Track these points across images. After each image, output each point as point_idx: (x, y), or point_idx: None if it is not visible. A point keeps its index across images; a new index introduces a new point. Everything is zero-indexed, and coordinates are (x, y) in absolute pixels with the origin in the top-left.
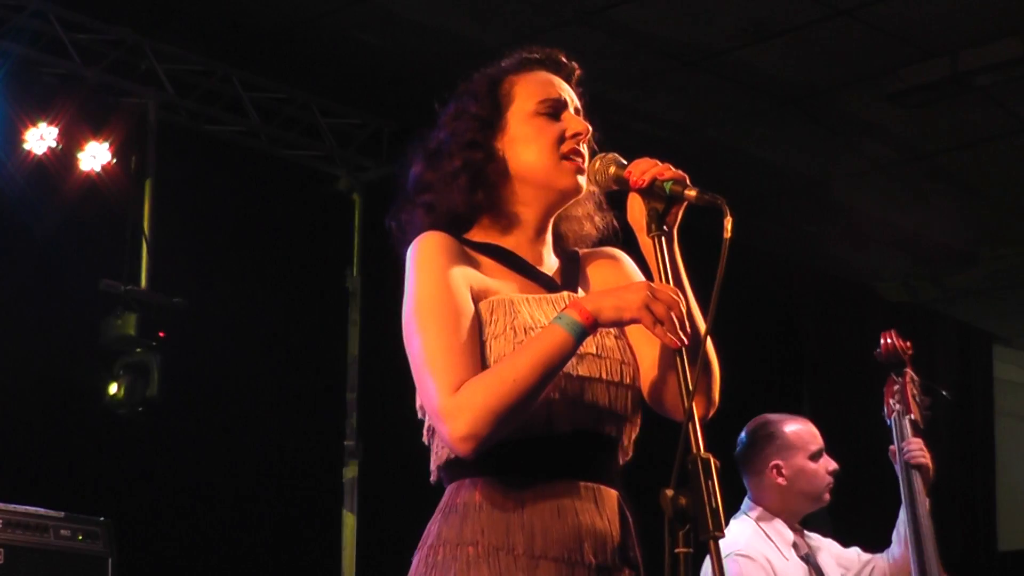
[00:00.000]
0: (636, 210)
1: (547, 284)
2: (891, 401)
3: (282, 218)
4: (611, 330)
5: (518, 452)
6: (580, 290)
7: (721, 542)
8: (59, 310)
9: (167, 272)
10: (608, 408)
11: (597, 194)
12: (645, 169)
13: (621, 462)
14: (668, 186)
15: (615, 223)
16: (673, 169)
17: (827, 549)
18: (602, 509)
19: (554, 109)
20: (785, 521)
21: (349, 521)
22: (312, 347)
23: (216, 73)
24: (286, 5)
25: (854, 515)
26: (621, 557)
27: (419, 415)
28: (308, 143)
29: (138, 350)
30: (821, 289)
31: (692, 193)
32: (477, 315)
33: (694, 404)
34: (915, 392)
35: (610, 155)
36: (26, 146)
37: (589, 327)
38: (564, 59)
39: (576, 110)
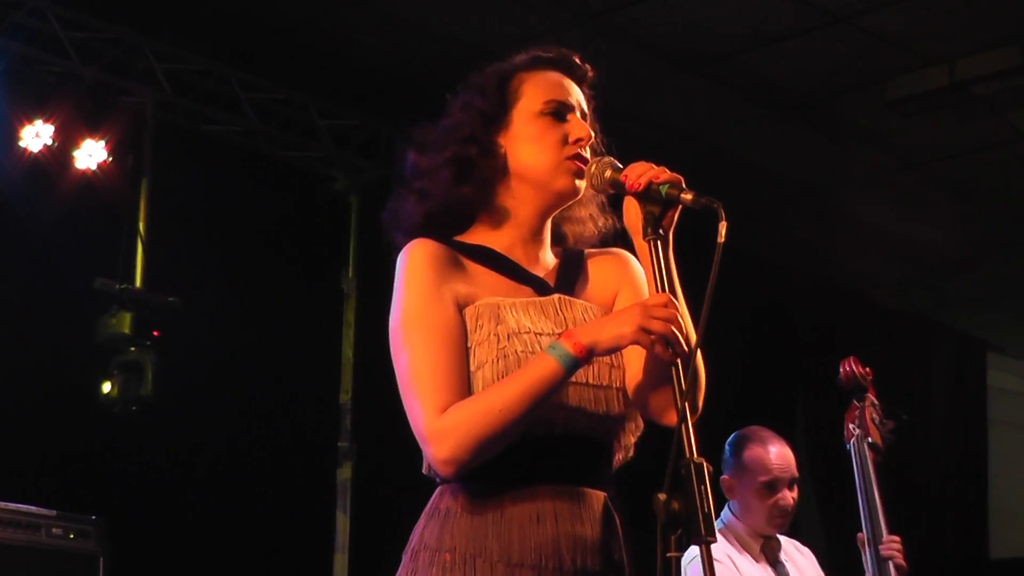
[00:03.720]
0: (632, 214)
1: (538, 287)
2: (851, 426)
3: (278, 219)
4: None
5: (501, 457)
6: (576, 290)
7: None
8: (54, 308)
9: (162, 271)
10: (595, 411)
11: (599, 196)
12: (641, 173)
13: (618, 461)
14: (664, 189)
15: (617, 225)
16: (669, 172)
17: (807, 560)
18: (585, 513)
19: (560, 110)
20: (752, 530)
21: (343, 522)
22: (307, 348)
23: (214, 73)
24: (285, 6)
25: (847, 523)
26: (604, 561)
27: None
28: (306, 144)
29: (132, 349)
30: (817, 296)
31: (688, 196)
32: (463, 322)
33: (675, 411)
34: (875, 416)
35: (606, 159)
36: (22, 144)
37: (582, 359)
38: (578, 60)
39: (583, 115)
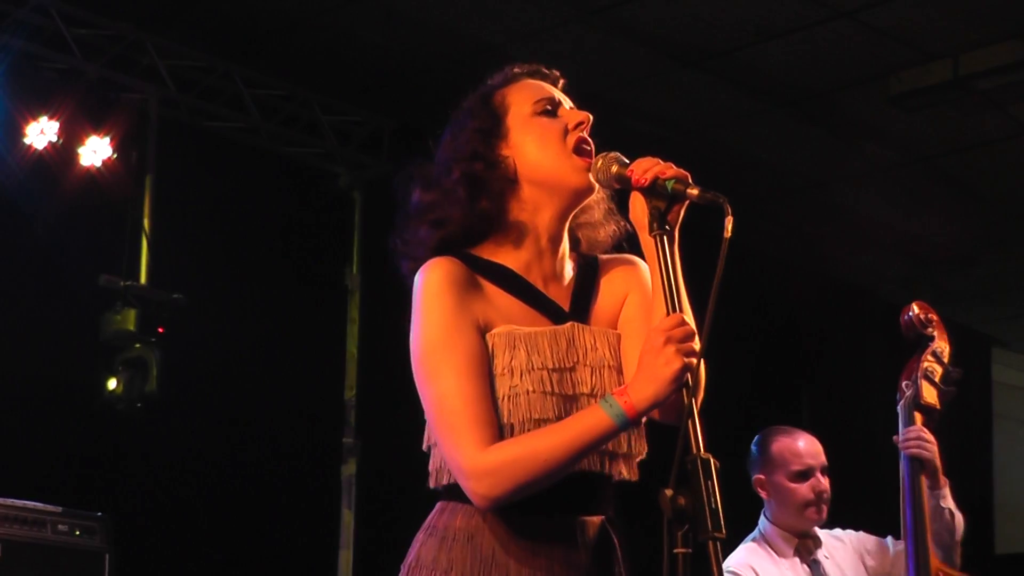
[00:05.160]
0: (638, 209)
1: (553, 313)
2: (904, 385)
3: (282, 215)
4: (612, 362)
5: None
6: (591, 308)
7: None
8: (58, 305)
9: (167, 268)
10: (598, 450)
11: (605, 200)
12: (647, 168)
13: (623, 478)
14: (670, 185)
15: (628, 226)
16: (675, 168)
17: (848, 547)
18: (582, 541)
19: (551, 106)
20: (787, 529)
21: (347, 518)
22: (311, 344)
23: (217, 69)
24: (288, 2)
25: (851, 519)
26: None
27: (425, 443)
28: (309, 140)
29: (137, 345)
30: (820, 291)
31: (694, 192)
32: (486, 346)
33: (669, 408)
34: (934, 370)
35: (612, 154)
36: (27, 140)
37: (633, 421)
38: (546, 70)
39: (571, 107)
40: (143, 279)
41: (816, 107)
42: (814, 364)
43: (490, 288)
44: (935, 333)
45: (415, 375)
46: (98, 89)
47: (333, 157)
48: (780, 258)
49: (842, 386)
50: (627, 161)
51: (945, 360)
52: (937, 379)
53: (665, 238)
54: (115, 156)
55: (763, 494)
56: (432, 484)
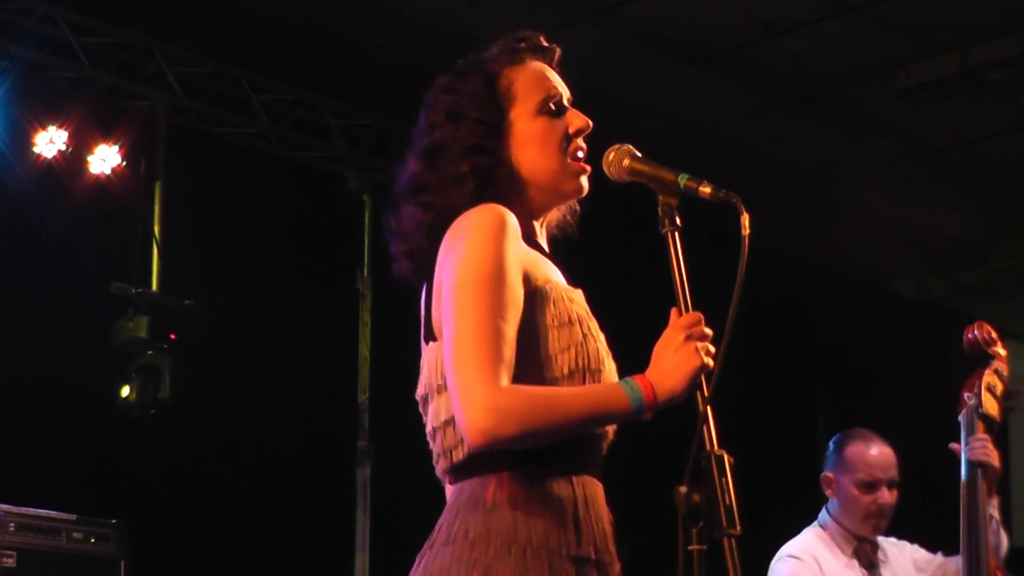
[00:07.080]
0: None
1: (562, 276)
2: (966, 395)
3: (292, 220)
4: (599, 334)
5: (559, 446)
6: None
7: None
8: (70, 313)
9: (178, 274)
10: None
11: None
12: None
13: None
14: (683, 181)
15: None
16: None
17: (905, 556)
18: (604, 503)
19: (556, 106)
20: (847, 530)
21: (362, 521)
22: (323, 348)
23: (225, 75)
24: (295, 6)
25: None
26: (617, 551)
27: (435, 419)
28: (318, 144)
29: (149, 352)
30: (832, 286)
31: (707, 190)
32: (534, 299)
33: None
34: (996, 386)
35: (624, 147)
36: (36, 149)
37: (647, 409)
38: (546, 43)
39: (570, 101)
40: (154, 286)
41: (825, 102)
42: (827, 359)
43: (528, 247)
44: (998, 352)
45: (454, 294)
46: (107, 97)
47: (342, 161)
48: (791, 254)
49: (856, 380)
50: (639, 155)
51: (1007, 378)
52: (999, 393)
53: (677, 235)
54: (124, 164)
55: (828, 492)
56: (454, 460)
